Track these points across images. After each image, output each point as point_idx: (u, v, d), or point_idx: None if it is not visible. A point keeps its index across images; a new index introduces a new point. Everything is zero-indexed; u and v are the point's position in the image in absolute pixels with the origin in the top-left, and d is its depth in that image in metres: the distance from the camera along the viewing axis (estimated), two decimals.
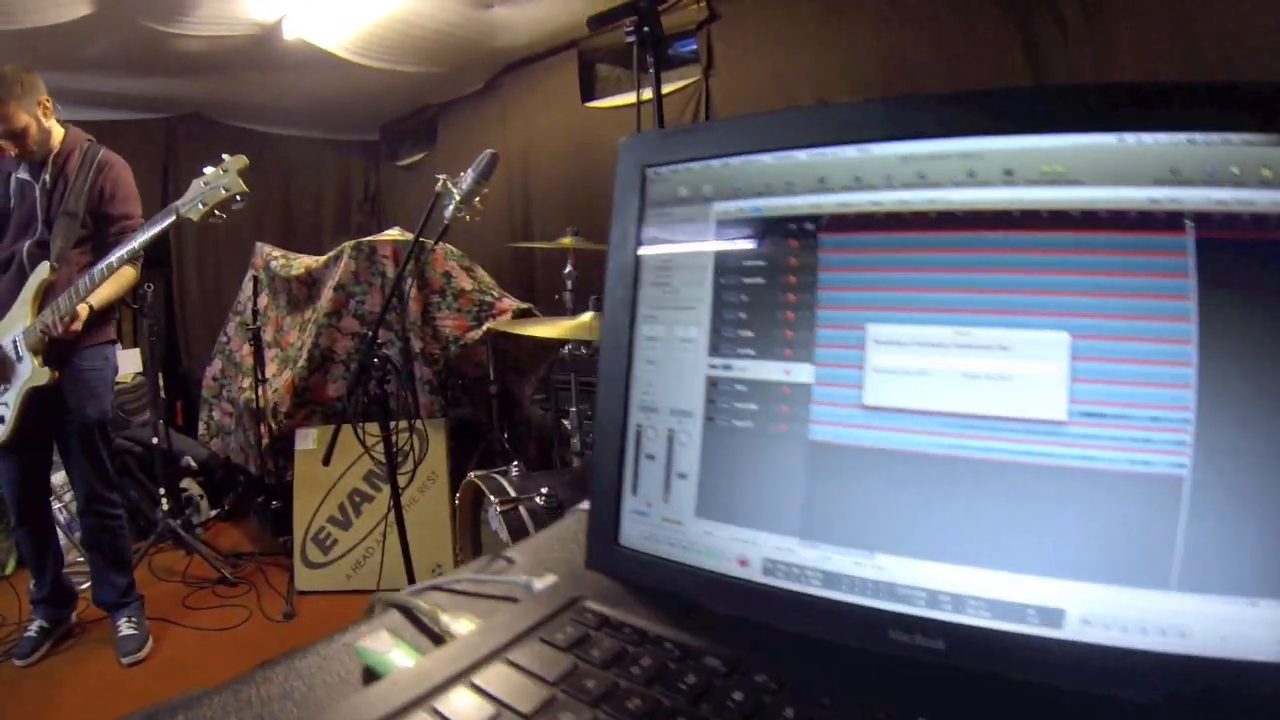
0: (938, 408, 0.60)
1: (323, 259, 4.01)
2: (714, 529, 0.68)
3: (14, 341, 3.04)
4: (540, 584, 0.73)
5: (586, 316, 2.81)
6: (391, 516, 2.91)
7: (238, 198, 2.71)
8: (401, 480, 3.61)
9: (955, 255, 0.60)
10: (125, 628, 3.35)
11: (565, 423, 3.61)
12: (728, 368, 0.68)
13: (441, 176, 2.62)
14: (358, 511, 3.74)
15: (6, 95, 2.94)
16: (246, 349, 4.29)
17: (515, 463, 2.81)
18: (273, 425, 3.95)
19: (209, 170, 2.73)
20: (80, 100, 5.62)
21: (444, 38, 4.49)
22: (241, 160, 2.71)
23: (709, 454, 0.69)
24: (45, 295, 3.05)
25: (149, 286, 3.81)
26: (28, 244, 3.09)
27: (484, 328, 3.78)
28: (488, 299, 3.85)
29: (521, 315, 3.86)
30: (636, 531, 0.72)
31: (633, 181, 0.74)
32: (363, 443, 2.73)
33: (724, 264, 0.69)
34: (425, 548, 3.49)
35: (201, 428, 4.77)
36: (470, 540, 2.95)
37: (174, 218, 2.76)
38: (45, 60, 4.09)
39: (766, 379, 0.67)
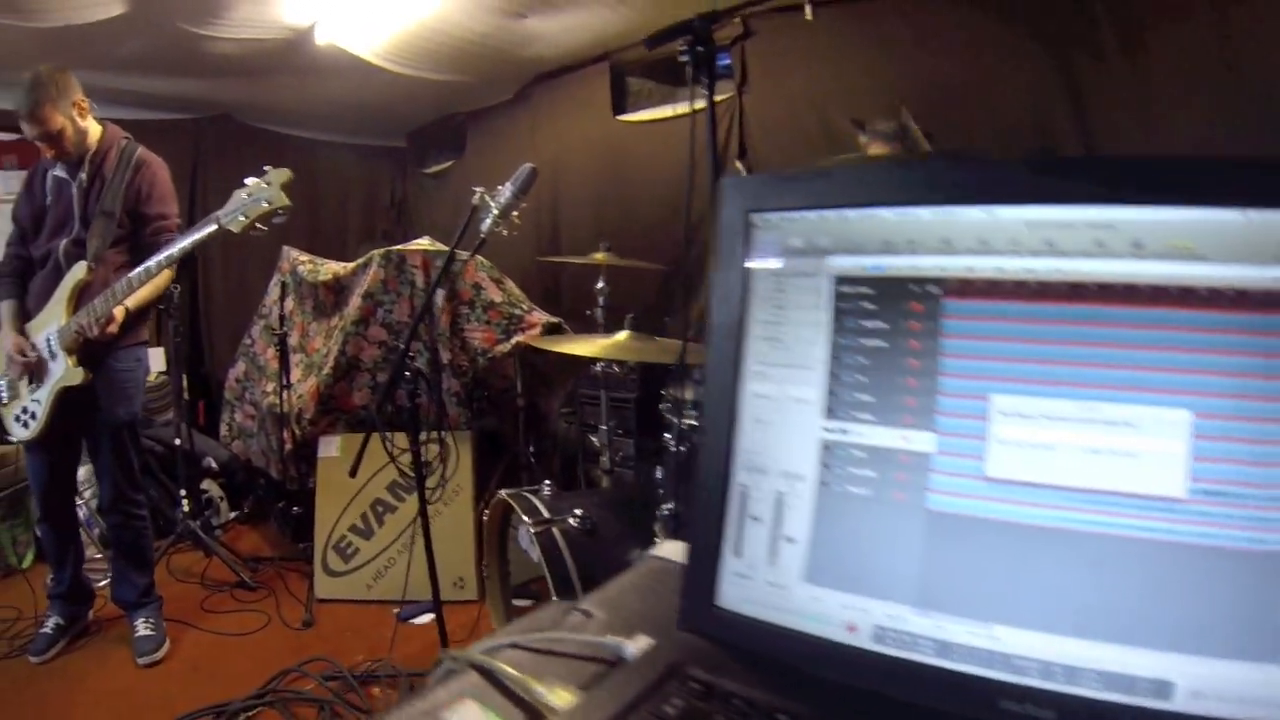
0: (1060, 482, 0.59)
1: (351, 266, 4.01)
2: (822, 594, 0.66)
3: (48, 340, 3.07)
4: (633, 647, 0.71)
5: (622, 335, 2.77)
6: (415, 528, 2.88)
7: (279, 212, 2.72)
8: (427, 492, 3.65)
9: (1082, 328, 0.59)
10: (143, 628, 3.36)
11: (593, 439, 3.58)
12: (844, 432, 0.66)
13: (479, 189, 2.60)
14: (380, 521, 3.72)
15: (42, 98, 2.97)
16: (271, 353, 4.30)
17: (547, 482, 2.78)
18: (296, 431, 3.93)
19: (251, 181, 2.74)
20: (110, 99, 5.61)
21: (476, 46, 4.49)
22: (285, 173, 2.74)
23: (821, 519, 0.67)
24: (80, 295, 3.07)
25: (175, 287, 3.81)
26: (64, 242, 3.11)
27: (513, 341, 3.76)
28: (517, 312, 3.83)
29: (551, 330, 3.84)
30: (737, 594, 0.70)
31: (737, 227, 0.72)
32: (390, 454, 2.68)
33: (842, 323, 0.68)
34: (448, 561, 3.46)
35: (223, 429, 4.76)
36: (498, 558, 2.92)
37: (215, 227, 2.78)
38: (78, 59, 4.09)
39: (885, 446, 0.65)
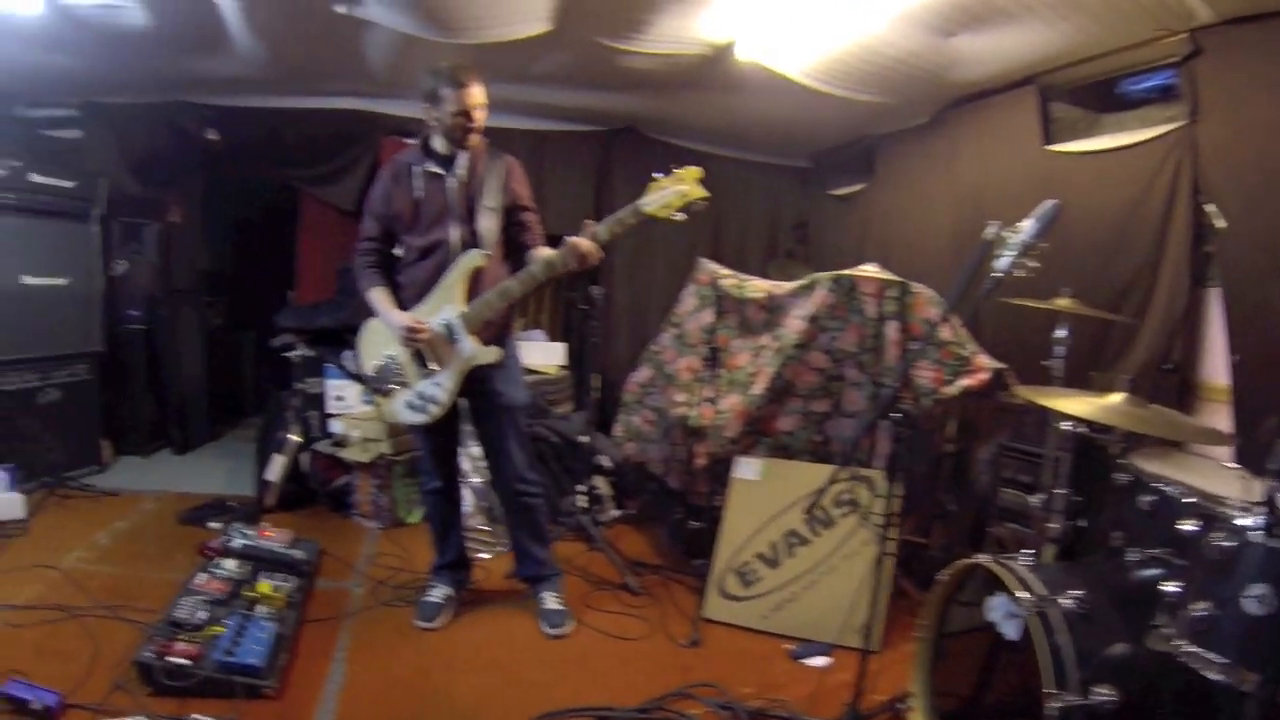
0: None
1: (789, 286, 3.99)
2: None
3: (446, 324, 3.32)
4: None
5: (1116, 398, 2.50)
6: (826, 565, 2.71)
7: (698, 201, 3.10)
8: (842, 530, 3.52)
9: None
10: (551, 601, 3.61)
11: (1031, 500, 3.33)
12: None
13: (994, 224, 2.45)
14: (790, 553, 3.64)
15: (478, 76, 3.28)
16: (684, 364, 4.37)
17: (1027, 550, 2.56)
18: (713, 447, 3.94)
19: (661, 176, 3.11)
20: (521, 110, 6.07)
21: (903, 66, 4.35)
22: (697, 171, 3.12)
23: None
24: (474, 280, 3.34)
25: (598, 289, 3.94)
26: (456, 232, 3.35)
27: (961, 384, 3.55)
28: (963, 354, 3.62)
29: (996, 378, 3.58)
30: None
31: None
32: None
33: None
34: (852, 604, 3.33)
35: (619, 429, 4.86)
36: (937, 618, 2.70)
37: (635, 212, 3.11)
38: (497, 72, 4.41)
39: None
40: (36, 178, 5.53)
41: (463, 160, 3.34)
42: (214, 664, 2.86)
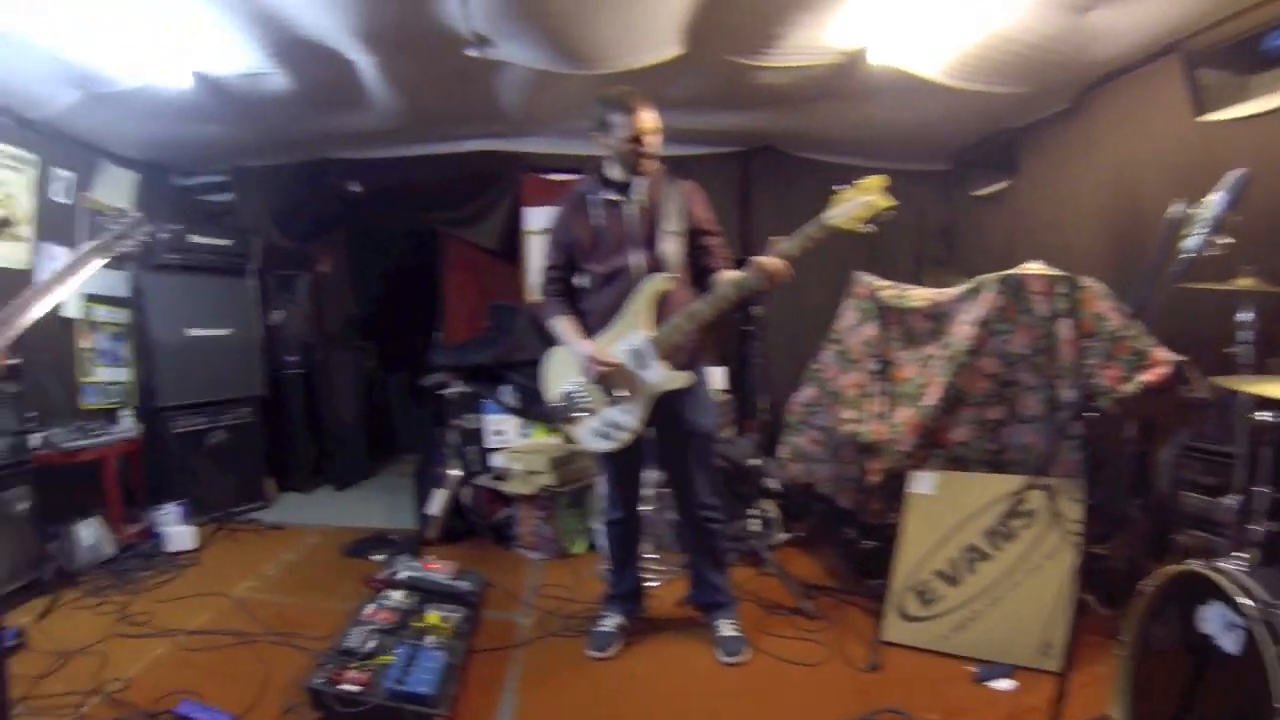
0: None
1: (953, 291, 3.87)
2: None
3: (633, 350, 3.30)
4: None
5: None
6: (1009, 581, 2.57)
7: (885, 211, 2.97)
8: (1024, 542, 3.33)
9: None
10: (727, 628, 3.54)
11: (1225, 502, 3.07)
12: None
13: (1179, 203, 2.26)
14: (971, 569, 3.48)
15: (648, 101, 3.28)
16: (848, 380, 4.27)
17: (1239, 553, 2.35)
18: (886, 463, 3.82)
19: (843, 189, 3.02)
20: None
21: (1039, 51, 4.19)
22: (881, 179, 3.00)
23: None
24: (661, 306, 3.30)
25: (760, 309, 3.86)
26: (638, 258, 3.33)
27: (1140, 380, 3.33)
28: (1140, 348, 3.39)
29: (1177, 372, 3.33)
30: None
31: None
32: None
33: None
34: (1036, 623, 3.22)
35: (784, 451, 4.76)
36: (1140, 637, 2.49)
37: (821, 226, 3.03)
38: None
39: None
40: (196, 238, 6.06)
41: (640, 186, 3.34)
42: (385, 692, 2.91)
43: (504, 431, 5.46)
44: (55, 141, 5.43)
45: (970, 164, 6.54)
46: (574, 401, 3.45)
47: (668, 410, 3.35)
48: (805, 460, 4.57)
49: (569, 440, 3.73)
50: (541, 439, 5.40)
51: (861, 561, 4.12)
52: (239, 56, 4.37)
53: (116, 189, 6.04)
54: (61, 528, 4.65)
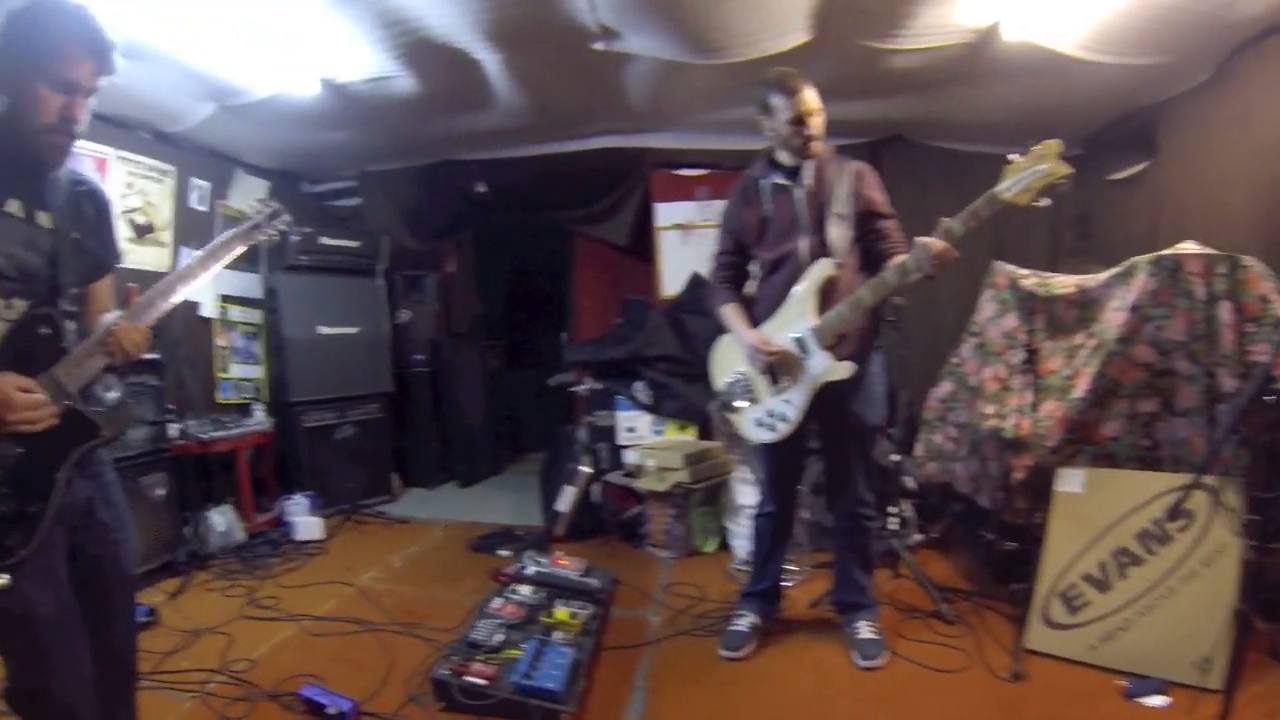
0: None
1: (1103, 275, 3.66)
2: None
3: (796, 339, 3.21)
4: None
5: None
6: (1164, 588, 2.39)
7: (1063, 180, 2.72)
8: (1180, 546, 3.15)
9: None
10: (867, 630, 3.42)
11: None
12: None
13: None
14: (1122, 574, 3.27)
15: (807, 81, 3.21)
16: (988, 373, 4.13)
17: None
18: (1032, 460, 3.64)
19: (1018, 158, 2.79)
20: None
21: (1180, 14, 3.92)
22: (1055, 144, 2.74)
23: None
24: (827, 292, 3.21)
25: (900, 298, 3.73)
26: (805, 244, 3.25)
27: None
28: None
29: None
30: None
31: None
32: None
33: None
34: (1192, 635, 2.97)
35: (920, 449, 4.63)
36: None
37: (992, 201, 2.83)
38: (752, 90, 4.25)
39: None
40: (326, 240, 6.33)
41: (809, 169, 3.28)
42: (511, 686, 2.92)
43: (636, 428, 5.50)
44: (191, 153, 5.86)
45: (1105, 146, 6.16)
46: (737, 391, 3.42)
47: (832, 401, 3.26)
48: (941, 458, 4.45)
49: (732, 430, 3.63)
50: (674, 435, 5.41)
51: (1001, 564, 3.93)
52: (365, 61, 4.48)
53: (249, 196, 6.32)
54: (196, 514, 4.97)
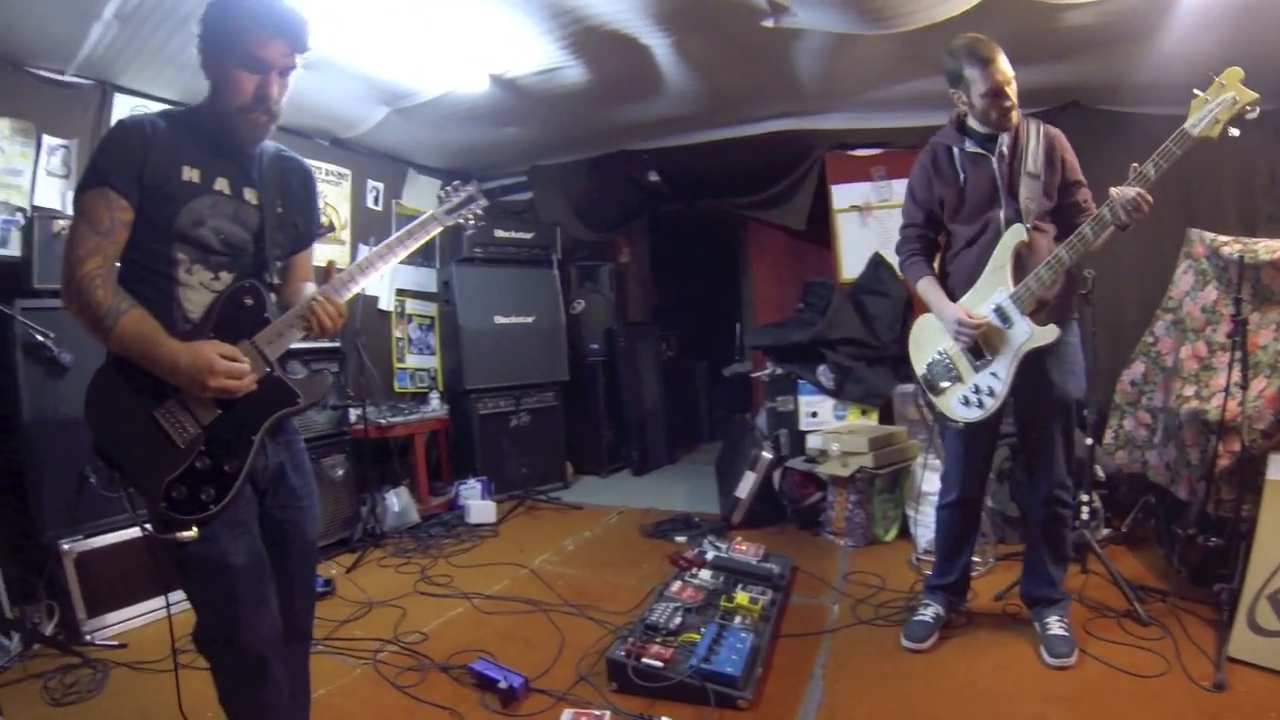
0: None
1: None
2: None
3: (995, 309, 3.08)
4: None
5: None
6: None
7: (1249, 107, 2.64)
8: None
9: None
10: (1057, 626, 3.23)
11: None
12: None
13: None
14: None
15: (998, 48, 3.07)
16: (1186, 351, 3.87)
17: None
18: (1240, 444, 3.35)
19: (1201, 94, 2.71)
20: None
21: None
22: (1237, 71, 2.65)
23: None
24: (1022, 259, 3.08)
25: (1091, 272, 3.54)
26: (1001, 213, 3.12)
27: None
28: None
29: None
30: None
31: None
32: None
33: None
34: None
35: (1109, 436, 4.38)
36: None
37: (1182, 139, 2.72)
38: (926, 63, 4.26)
39: None
40: (500, 233, 6.60)
41: (1005, 137, 3.14)
42: (688, 669, 2.91)
43: (818, 413, 5.43)
44: (366, 156, 6.31)
45: None
46: (939, 371, 3.30)
47: (1033, 373, 3.11)
48: (1132, 446, 4.22)
49: (926, 415, 3.52)
50: (856, 420, 5.31)
51: (1201, 562, 3.63)
52: (534, 54, 4.56)
53: (422, 195, 6.77)
54: (373, 494, 5.29)
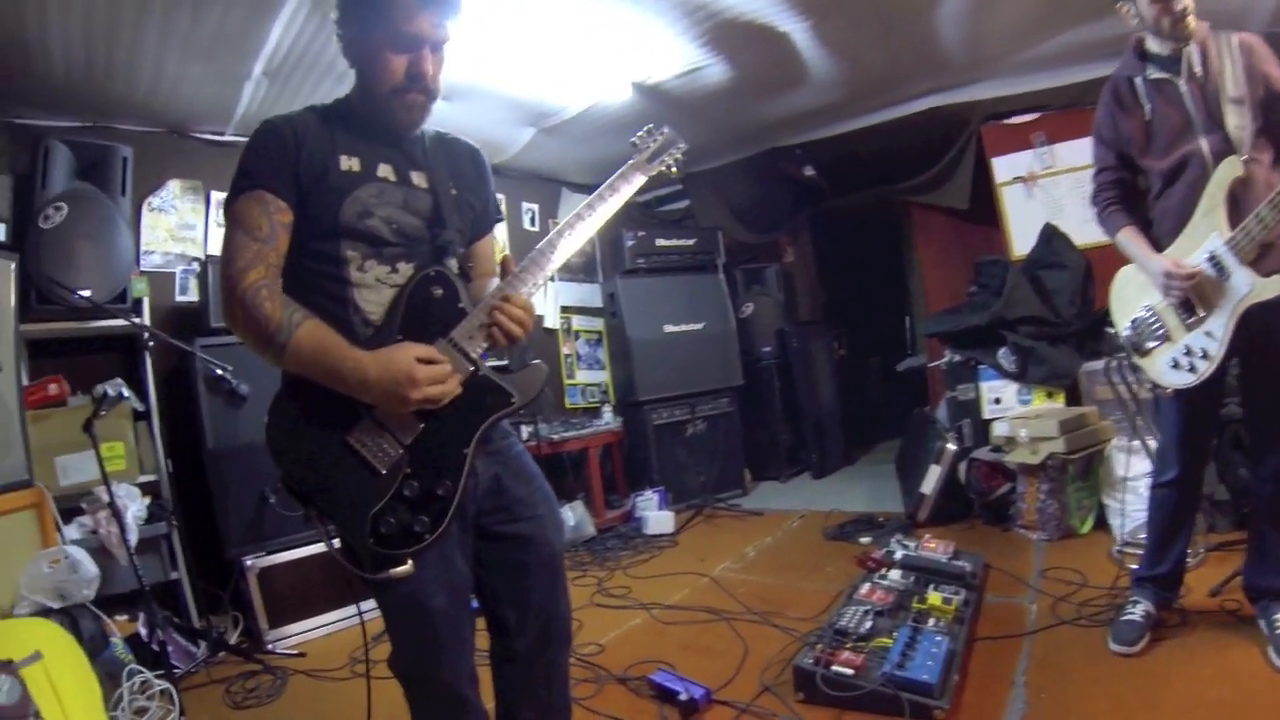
0: None
1: None
2: None
3: (1209, 258, 2.66)
4: None
5: None
6: None
7: None
8: None
9: None
10: None
11: None
12: None
13: None
14: None
15: None
16: None
17: None
18: None
19: None
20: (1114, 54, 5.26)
21: None
22: None
23: None
24: (1238, 196, 2.62)
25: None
26: (1205, 143, 2.68)
27: None
28: None
29: None
30: None
31: None
32: None
33: None
34: None
35: None
36: None
37: None
38: (1069, 11, 4.22)
39: None
40: (662, 241, 6.57)
41: (1191, 53, 2.72)
42: (881, 677, 2.71)
43: (1001, 399, 5.16)
44: (519, 179, 6.47)
45: None
46: (1144, 330, 2.89)
47: (1257, 331, 2.66)
48: None
49: (1146, 378, 3.08)
50: (1042, 404, 5.01)
51: None
52: (674, 55, 4.52)
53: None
54: None
